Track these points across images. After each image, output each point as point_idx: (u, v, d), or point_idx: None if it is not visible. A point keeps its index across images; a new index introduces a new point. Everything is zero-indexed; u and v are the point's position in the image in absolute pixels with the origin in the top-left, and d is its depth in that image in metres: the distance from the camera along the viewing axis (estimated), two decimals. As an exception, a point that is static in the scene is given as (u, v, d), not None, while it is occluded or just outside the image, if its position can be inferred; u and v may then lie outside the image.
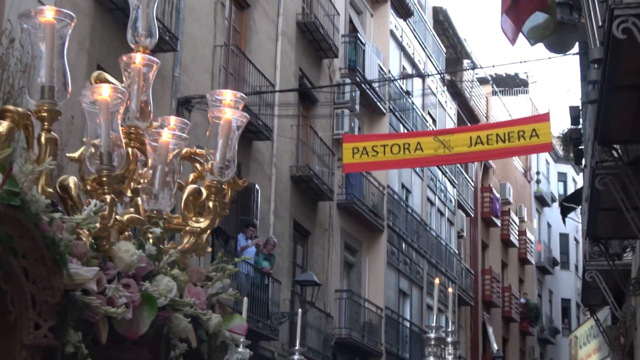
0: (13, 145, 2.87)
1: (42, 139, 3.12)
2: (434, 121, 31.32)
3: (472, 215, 35.50)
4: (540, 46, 12.69)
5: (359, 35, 24.54)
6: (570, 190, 42.63)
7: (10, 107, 3.15)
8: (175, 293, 3.28)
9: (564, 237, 46.65)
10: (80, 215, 2.90)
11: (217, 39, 17.68)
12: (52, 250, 2.68)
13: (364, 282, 24.97)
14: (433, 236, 30.40)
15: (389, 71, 26.71)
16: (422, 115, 29.65)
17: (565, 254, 47.05)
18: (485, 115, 38.43)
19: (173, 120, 4.06)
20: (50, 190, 3.05)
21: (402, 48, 28.62)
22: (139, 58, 3.86)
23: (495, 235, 38.63)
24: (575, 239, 46.56)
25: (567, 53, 14.41)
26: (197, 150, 3.94)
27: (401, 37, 28.49)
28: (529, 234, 41.77)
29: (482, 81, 38.42)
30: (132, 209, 3.72)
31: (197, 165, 3.93)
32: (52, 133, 3.15)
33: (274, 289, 18.68)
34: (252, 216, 17.78)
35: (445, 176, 32.18)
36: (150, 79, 3.88)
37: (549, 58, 15.05)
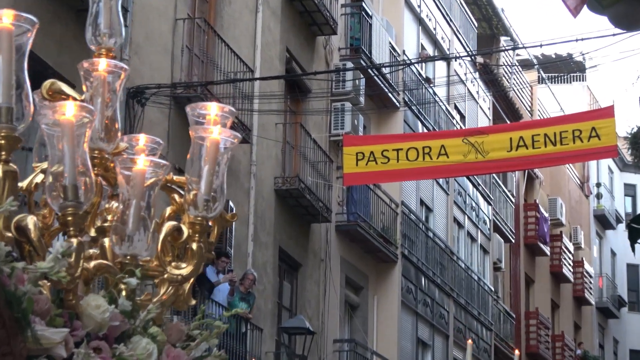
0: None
1: (0, 173, 3.29)
2: (463, 117, 31.58)
3: (513, 241, 35.73)
4: (603, 19, 12.95)
5: (364, 4, 24.72)
6: (642, 207, 42.98)
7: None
8: (155, 357, 3.53)
9: (632, 269, 46.93)
10: (45, 263, 3.12)
11: (179, 11, 17.88)
12: (14, 307, 2.91)
13: (370, 329, 25.17)
14: (461, 268, 30.61)
15: (404, 52, 26.97)
16: (447, 109, 29.91)
17: (635, 292, 47.32)
18: (529, 109, 38.73)
19: (143, 139, 4.29)
20: (10, 234, 3.27)
21: (420, 22, 28.86)
22: (103, 64, 4.05)
23: (543, 267, 38.87)
24: (648, 272, 46.85)
25: (637, 29, 14.70)
26: (175, 178, 4.17)
27: (419, 7, 28.73)
28: (587, 266, 42.01)
29: (526, 65, 38.69)
30: (91, 251, 3.95)
31: (175, 195, 4.16)
32: (11, 165, 3.32)
33: (253, 339, 18.86)
34: (224, 243, 17.98)
35: (478, 190, 32.42)
36: (117, 89, 4.08)
37: (614, 35, 15.23)
